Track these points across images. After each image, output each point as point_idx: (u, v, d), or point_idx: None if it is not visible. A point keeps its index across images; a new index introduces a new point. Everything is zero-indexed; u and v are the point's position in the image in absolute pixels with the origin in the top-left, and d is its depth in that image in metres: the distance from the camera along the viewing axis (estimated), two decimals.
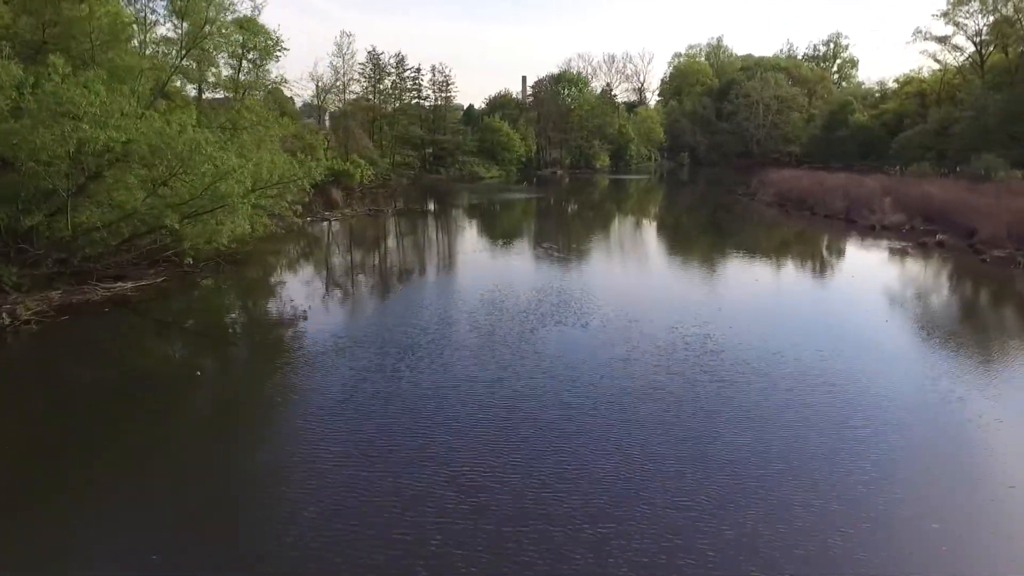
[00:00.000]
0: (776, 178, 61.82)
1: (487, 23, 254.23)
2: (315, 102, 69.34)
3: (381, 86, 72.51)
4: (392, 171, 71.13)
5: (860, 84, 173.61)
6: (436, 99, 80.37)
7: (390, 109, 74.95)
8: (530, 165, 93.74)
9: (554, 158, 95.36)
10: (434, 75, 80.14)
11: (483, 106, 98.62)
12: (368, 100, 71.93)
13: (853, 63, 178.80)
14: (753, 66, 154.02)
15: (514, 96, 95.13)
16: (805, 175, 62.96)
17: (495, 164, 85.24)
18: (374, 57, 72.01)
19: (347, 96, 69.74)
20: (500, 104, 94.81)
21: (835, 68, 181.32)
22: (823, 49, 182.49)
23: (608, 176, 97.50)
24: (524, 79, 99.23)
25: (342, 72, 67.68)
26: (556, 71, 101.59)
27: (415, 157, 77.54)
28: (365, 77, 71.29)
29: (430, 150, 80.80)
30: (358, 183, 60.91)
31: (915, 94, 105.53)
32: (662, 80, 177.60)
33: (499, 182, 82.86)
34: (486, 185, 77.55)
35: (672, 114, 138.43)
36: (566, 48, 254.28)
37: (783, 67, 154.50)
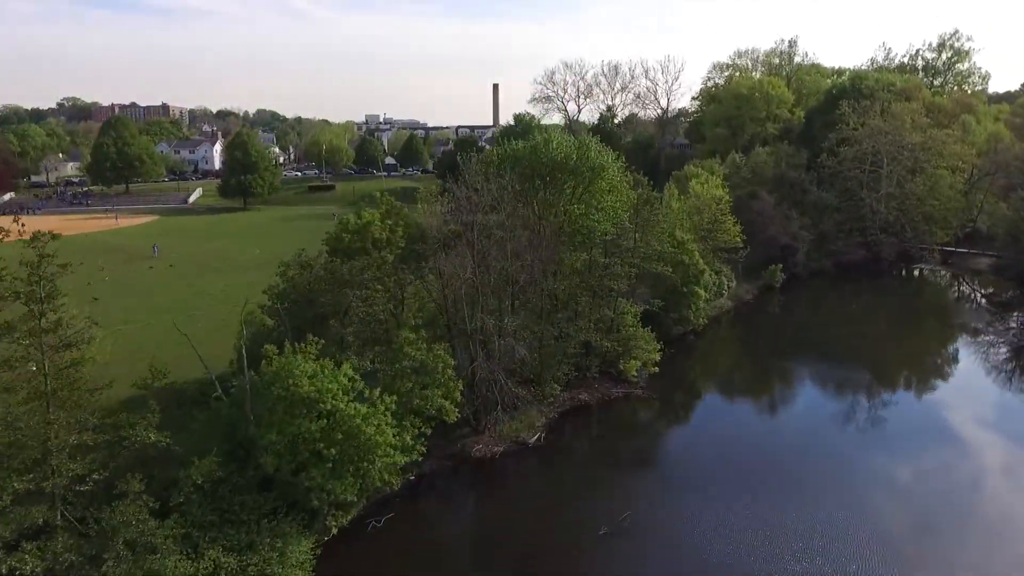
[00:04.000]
0: None
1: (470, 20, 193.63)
2: None
3: None
4: None
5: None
6: None
7: None
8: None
9: (504, 390, 33.03)
10: None
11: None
12: None
13: (982, 77, 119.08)
14: (850, 86, 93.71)
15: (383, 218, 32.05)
16: None
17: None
18: None
19: None
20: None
21: (949, 81, 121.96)
22: (930, 56, 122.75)
23: (654, 421, 37.31)
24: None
25: None
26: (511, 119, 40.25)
27: None
28: None
29: None
30: None
31: None
32: (698, 103, 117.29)
33: None
34: None
35: (736, 175, 77.52)
36: (560, 47, 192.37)
37: (899, 88, 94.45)
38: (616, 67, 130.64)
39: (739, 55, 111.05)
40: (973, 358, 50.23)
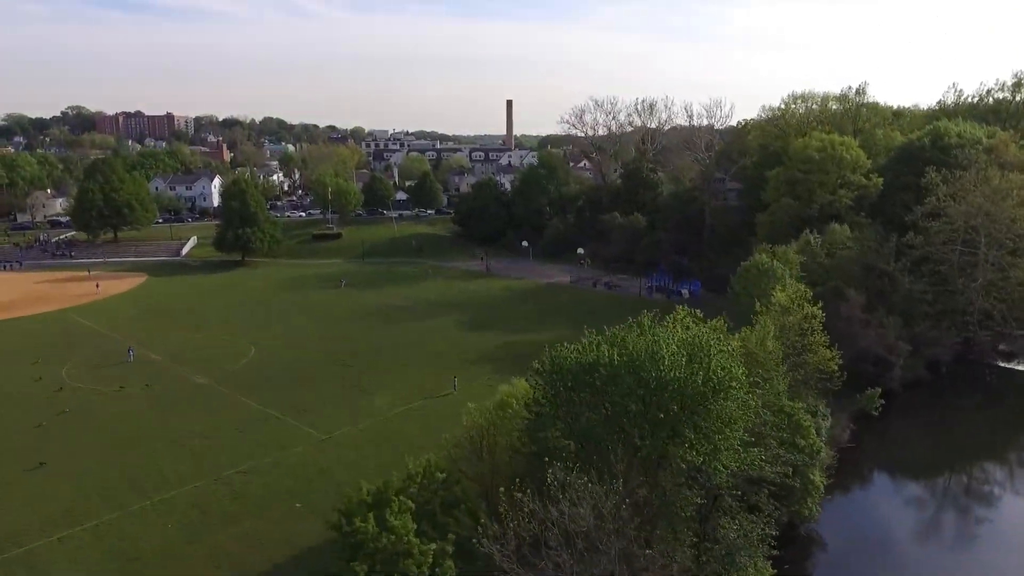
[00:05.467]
0: None
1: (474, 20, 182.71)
2: None
3: None
4: None
5: None
6: None
7: None
8: None
9: None
10: None
11: None
12: None
13: None
14: (931, 144, 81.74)
15: None
16: None
17: None
18: None
19: None
20: None
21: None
22: (1001, 95, 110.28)
23: None
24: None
25: None
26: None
27: None
28: None
29: None
30: None
31: None
32: (745, 137, 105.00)
33: None
34: None
35: (812, 262, 65.96)
36: (567, 48, 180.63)
37: (988, 144, 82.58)
38: (652, 105, 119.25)
39: (793, 99, 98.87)
40: None
